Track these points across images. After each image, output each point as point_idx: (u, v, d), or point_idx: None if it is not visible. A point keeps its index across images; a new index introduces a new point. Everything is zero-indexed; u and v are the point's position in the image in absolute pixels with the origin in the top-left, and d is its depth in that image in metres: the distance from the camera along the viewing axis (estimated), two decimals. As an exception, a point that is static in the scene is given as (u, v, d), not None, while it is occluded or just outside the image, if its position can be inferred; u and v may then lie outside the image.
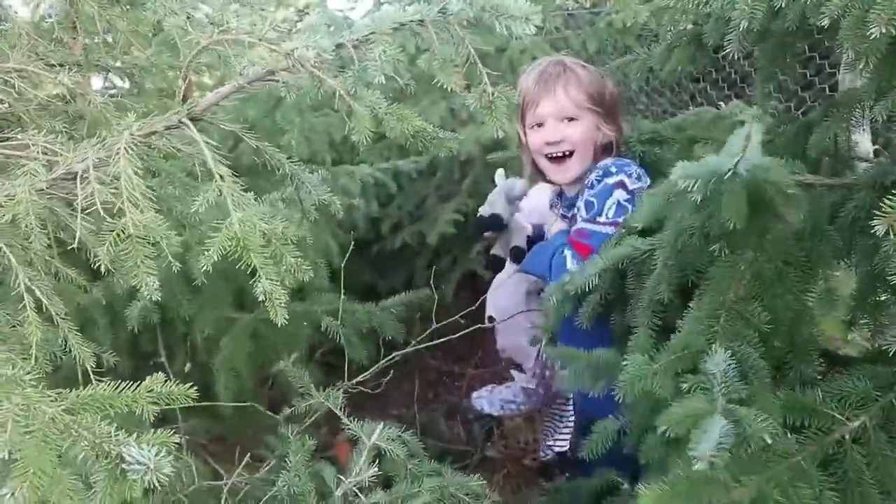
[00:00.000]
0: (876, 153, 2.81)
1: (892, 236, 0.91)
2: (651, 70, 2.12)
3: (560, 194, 2.03)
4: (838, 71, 2.94)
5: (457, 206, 3.50)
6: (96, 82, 2.45)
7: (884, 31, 1.03)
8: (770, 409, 1.02)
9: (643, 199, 1.36)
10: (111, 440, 0.74)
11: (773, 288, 1.22)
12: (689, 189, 1.02)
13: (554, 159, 1.86)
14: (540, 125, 1.86)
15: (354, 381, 2.14)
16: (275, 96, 2.65)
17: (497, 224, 2.24)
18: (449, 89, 0.85)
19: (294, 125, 2.58)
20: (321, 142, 2.82)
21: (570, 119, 1.82)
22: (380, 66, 0.81)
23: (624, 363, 1.13)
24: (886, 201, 0.91)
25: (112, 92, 2.48)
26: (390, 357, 2.37)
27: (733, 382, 1.00)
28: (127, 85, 2.26)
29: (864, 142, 2.80)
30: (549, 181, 1.97)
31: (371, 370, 2.25)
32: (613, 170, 1.76)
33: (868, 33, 1.04)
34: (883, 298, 1.40)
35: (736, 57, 1.50)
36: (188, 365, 2.30)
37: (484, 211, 2.30)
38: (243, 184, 1.10)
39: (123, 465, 0.71)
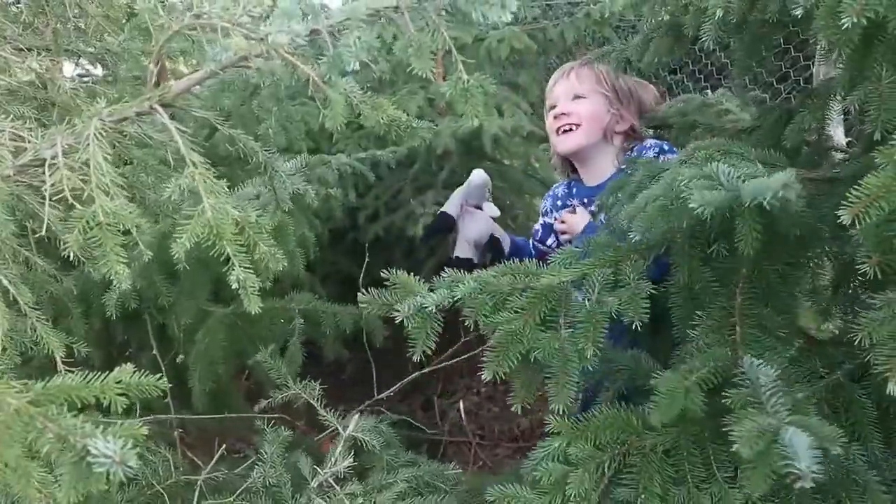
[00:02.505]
0: (849, 145, 2.84)
1: (858, 225, 0.92)
2: (629, 62, 2.12)
3: (569, 186, 2.05)
4: (812, 63, 2.97)
5: (436, 199, 3.48)
6: (70, 70, 2.41)
7: (856, 20, 1.03)
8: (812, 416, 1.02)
9: (641, 201, 1.28)
10: (76, 432, 0.72)
11: (777, 290, 1.23)
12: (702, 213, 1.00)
13: (561, 132, 1.93)
14: (553, 107, 1.95)
15: (383, 395, 2.15)
16: (252, 85, 2.61)
17: (445, 223, 1.99)
18: (424, 76, 0.84)
19: (271, 114, 2.55)
20: (298, 131, 2.79)
21: (580, 97, 1.91)
22: (355, 53, 0.80)
23: (654, 381, 1.11)
24: (853, 191, 0.92)
25: (87, 79, 2.44)
26: (417, 373, 2.38)
27: (780, 393, 0.99)
28: (100, 72, 2.22)
29: (837, 134, 2.83)
30: (570, 169, 2.04)
31: (396, 386, 2.26)
32: (666, 147, 1.84)
33: (840, 23, 1.04)
34: (855, 290, 1.42)
35: (712, 47, 1.50)
36: (181, 356, 2.28)
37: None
38: (218, 173, 1.08)
39: (89, 459, 0.69)
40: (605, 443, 1.14)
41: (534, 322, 1.14)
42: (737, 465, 1.10)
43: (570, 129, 1.91)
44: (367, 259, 2.71)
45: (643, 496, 1.09)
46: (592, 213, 1.89)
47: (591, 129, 1.91)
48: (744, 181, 1.02)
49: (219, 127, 1.07)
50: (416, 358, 1.15)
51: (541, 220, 2.18)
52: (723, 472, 1.11)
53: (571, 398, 1.11)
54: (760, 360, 1.06)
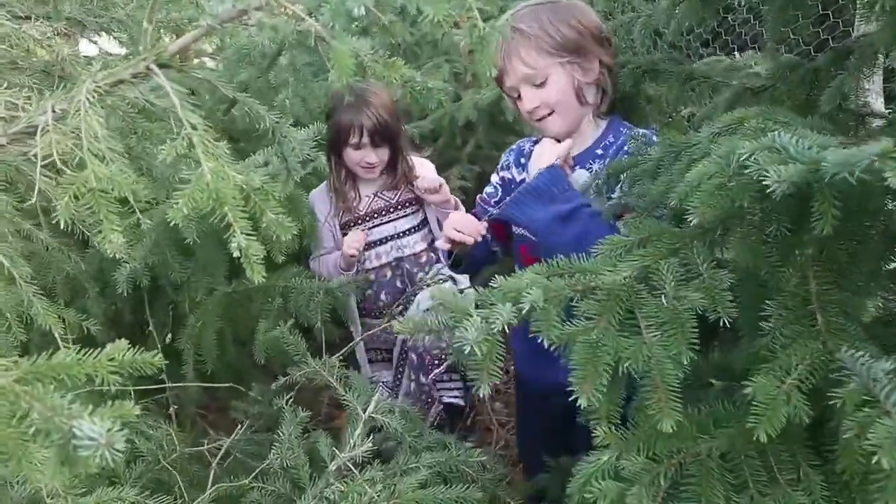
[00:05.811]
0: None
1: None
2: (658, 33, 2.01)
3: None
4: (852, 31, 2.84)
5: (461, 172, 3.43)
6: (87, 48, 2.37)
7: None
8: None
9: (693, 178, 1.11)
10: (63, 413, 0.66)
11: (849, 271, 1.10)
12: (776, 189, 0.87)
13: (539, 120, 1.85)
14: (518, 96, 1.84)
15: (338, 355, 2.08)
16: (269, 56, 2.57)
17: None
18: (440, 24, 0.77)
19: (288, 85, 2.49)
20: (318, 104, 2.73)
21: (541, 85, 1.78)
22: (359, -1, 0.73)
23: (748, 390, 0.97)
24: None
25: (110, 59, 2.40)
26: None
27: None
28: (123, 52, 2.18)
29: (878, 103, 2.70)
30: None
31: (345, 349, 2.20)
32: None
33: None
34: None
35: (746, 16, 1.41)
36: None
37: None
38: (236, 147, 1.03)
39: (74, 441, 0.64)
40: (658, 453, 1.03)
41: (614, 328, 1.01)
42: (799, 466, 1.01)
43: (546, 117, 1.82)
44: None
45: (706, 507, 0.99)
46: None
47: (565, 108, 1.81)
48: (816, 152, 0.91)
49: (219, 87, 1.01)
50: (481, 394, 1.01)
51: (497, 178, 2.08)
52: (785, 475, 1.01)
53: (678, 412, 0.97)
54: (860, 352, 0.94)
